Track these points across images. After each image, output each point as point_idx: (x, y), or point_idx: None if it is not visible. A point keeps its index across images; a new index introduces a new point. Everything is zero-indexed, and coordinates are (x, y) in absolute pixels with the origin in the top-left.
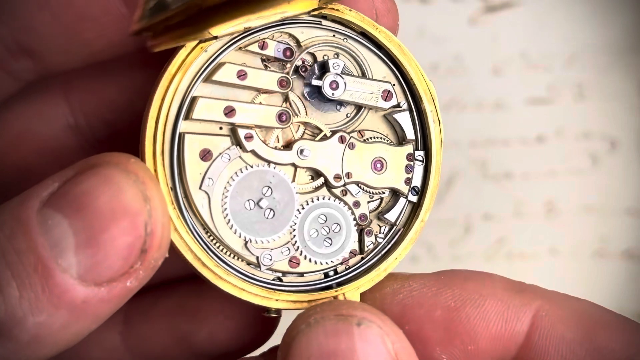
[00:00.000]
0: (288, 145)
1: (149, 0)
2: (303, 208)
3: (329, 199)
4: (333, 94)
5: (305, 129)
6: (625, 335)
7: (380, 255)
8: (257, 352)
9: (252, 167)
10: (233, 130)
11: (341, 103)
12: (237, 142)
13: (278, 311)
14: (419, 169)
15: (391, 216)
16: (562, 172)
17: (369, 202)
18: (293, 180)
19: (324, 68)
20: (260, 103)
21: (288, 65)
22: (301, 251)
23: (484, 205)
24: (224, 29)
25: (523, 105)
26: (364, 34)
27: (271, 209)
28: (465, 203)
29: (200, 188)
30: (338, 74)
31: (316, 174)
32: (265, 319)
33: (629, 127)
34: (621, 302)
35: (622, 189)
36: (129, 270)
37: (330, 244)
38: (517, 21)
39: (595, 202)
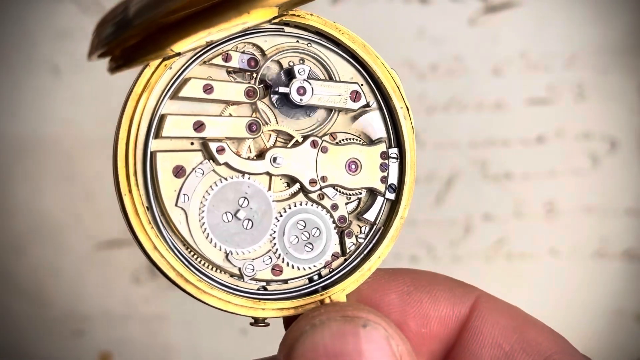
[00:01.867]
0: (261, 155)
1: (103, 24)
2: (281, 216)
3: (306, 204)
4: (301, 99)
5: (277, 137)
6: (552, 336)
7: (362, 255)
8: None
9: (226, 179)
10: (204, 144)
11: (311, 108)
12: (209, 156)
13: (265, 320)
14: (394, 166)
15: (370, 216)
16: (562, 172)
17: (346, 203)
18: (269, 189)
19: (290, 75)
20: (230, 115)
21: (254, 75)
22: (283, 258)
23: (484, 205)
24: (186, 45)
25: (523, 106)
26: (329, 38)
27: (249, 220)
28: (465, 203)
29: (176, 205)
30: (304, 80)
31: (291, 180)
32: None
33: (629, 127)
34: (621, 302)
35: (622, 189)
36: None
37: (312, 249)
38: (517, 21)
39: (595, 202)
